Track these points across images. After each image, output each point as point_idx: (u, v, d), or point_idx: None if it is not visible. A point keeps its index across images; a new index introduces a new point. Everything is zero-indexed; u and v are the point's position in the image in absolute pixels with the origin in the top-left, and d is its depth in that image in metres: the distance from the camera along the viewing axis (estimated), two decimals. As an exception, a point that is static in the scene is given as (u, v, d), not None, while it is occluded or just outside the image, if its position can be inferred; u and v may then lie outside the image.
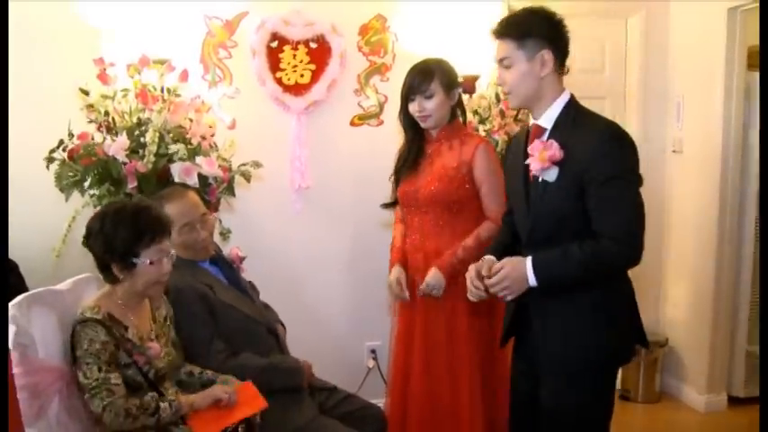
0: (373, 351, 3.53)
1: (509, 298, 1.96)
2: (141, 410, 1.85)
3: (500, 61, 1.97)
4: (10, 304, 1.86)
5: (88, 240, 1.96)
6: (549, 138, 1.91)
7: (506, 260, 1.95)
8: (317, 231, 3.43)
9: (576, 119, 1.93)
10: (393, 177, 2.75)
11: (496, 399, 2.59)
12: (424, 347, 2.63)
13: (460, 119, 2.68)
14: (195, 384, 2.12)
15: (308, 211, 3.39)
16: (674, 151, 3.76)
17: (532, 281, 1.90)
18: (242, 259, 2.60)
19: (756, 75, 3.50)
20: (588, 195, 1.85)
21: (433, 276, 2.52)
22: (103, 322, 1.88)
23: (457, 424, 2.59)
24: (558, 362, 1.99)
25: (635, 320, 2.04)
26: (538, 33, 1.91)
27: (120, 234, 1.90)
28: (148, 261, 1.92)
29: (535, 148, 1.91)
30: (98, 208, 2.55)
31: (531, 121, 2.02)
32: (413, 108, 2.57)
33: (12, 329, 1.83)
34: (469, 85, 2.67)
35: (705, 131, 3.57)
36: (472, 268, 2.01)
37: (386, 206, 2.84)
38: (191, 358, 2.20)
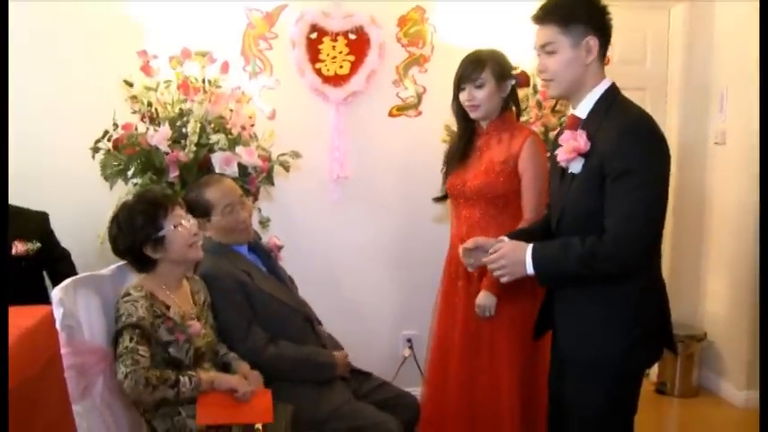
0: (409, 340, 3.57)
1: (504, 279, 1.92)
2: (161, 381, 1.89)
3: (542, 47, 1.91)
4: (58, 287, 1.94)
5: (115, 246, 2.06)
6: (582, 128, 1.87)
7: (509, 241, 1.95)
8: (355, 221, 3.47)
9: (609, 109, 1.87)
10: (443, 169, 2.74)
11: (537, 385, 2.56)
12: (463, 338, 2.64)
13: (513, 112, 2.64)
14: (218, 364, 2.18)
15: (346, 201, 3.44)
16: (716, 143, 3.71)
17: (530, 269, 1.88)
18: (280, 248, 2.64)
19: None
20: (605, 189, 1.81)
21: (484, 297, 2.52)
22: (146, 297, 1.97)
23: (496, 412, 2.59)
24: (578, 358, 1.96)
25: (662, 322, 1.96)
26: (583, 19, 1.86)
27: (137, 221, 2.00)
28: (172, 226, 2.02)
29: (565, 138, 1.88)
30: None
31: (570, 111, 1.98)
32: (463, 97, 2.54)
33: (59, 311, 1.90)
34: (524, 79, 2.62)
35: (749, 124, 3.50)
36: (471, 240, 2.02)
37: (437, 200, 2.84)
38: (229, 344, 2.26)
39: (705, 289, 3.88)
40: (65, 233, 2.89)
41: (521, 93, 3.02)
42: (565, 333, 2.02)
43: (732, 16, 3.63)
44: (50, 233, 2.87)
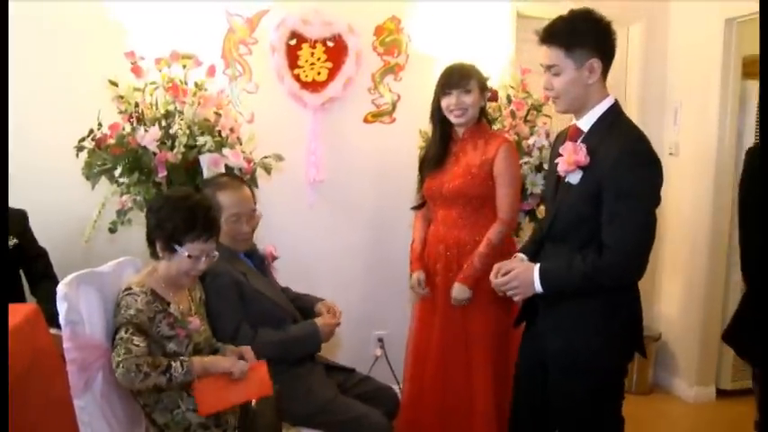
0: (380, 340, 3.66)
1: (517, 298, 2.10)
2: (152, 367, 1.89)
3: (548, 68, 2.01)
4: (61, 283, 1.96)
5: (148, 213, 2.10)
6: (583, 140, 2.00)
7: (517, 263, 2.10)
8: (330, 223, 3.55)
9: (611, 126, 1.99)
10: (418, 175, 2.88)
11: (508, 384, 2.71)
12: (441, 335, 2.77)
13: (485, 122, 2.81)
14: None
15: (322, 204, 3.52)
16: (670, 154, 3.91)
17: (538, 287, 2.03)
18: (275, 258, 2.71)
19: (751, 83, 3.67)
20: (603, 204, 1.93)
21: (458, 290, 2.68)
22: (146, 293, 2.00)
23: (470, 410, 2.72)
24: (561, 358, 2.09)
25: (634, 326, 2.12)
26: (586, 41, 1.96)
27: (173, 218, 2.02)
28: (187, 254, 2.03)
29: (566, 149, 2.00)
30: (124, 196, 2.68)
31: (573, 121, 2.09)
32: (449, 101, 2.67)
33: (64, 306, 1.93)
34: (494, 94, 2.83)
35: (701, 136, 3.72)
36: (495, 266, 2.15)
37: (416, 208, 2.97)
38: (217, 339, 2.31)
39: (660, 292, 4.09)
40: (47, 232, 2.88)
41: (494, 103, 3.18)
42: (547, 331, 2.14)
43: (684, 35, 3.85)
44: (28, 231, 2.86)
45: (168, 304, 2.06)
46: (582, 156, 1.95)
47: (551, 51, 1.99)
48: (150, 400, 2.04)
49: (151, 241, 2.08)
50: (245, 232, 2.46)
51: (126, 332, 1.93)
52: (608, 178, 1.91)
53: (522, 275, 2.04)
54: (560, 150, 2.03)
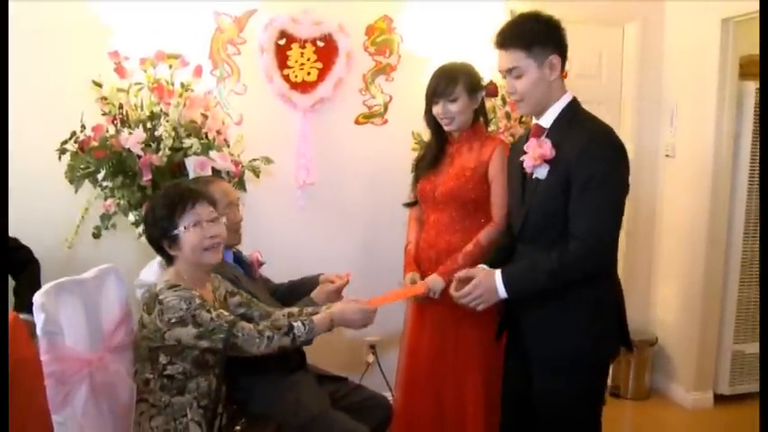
0: (372, 346, 3.59)
1: (480, 308, 2.04)
2: (274, 330, 1.97)
3: (509, 71, 2.00)
4: (38, 293, 1.88)
5: (146, 231, 2.08)
6: (546, 137, 1.99)
7: (478, 271, 2.06)
8: (320, 226, 3.48)
9: (572, 120, 1.99)
10: (413, 175, 2.81)
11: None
12: (431, 341, 2.71)
13: (482, 122, 2.73)
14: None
15: (312, 207, 3.44)
16: (667, 156, 3.86)
17: (502, 293, 1.99)
18: (261, 264, 2.64)
19: (748, 84, 3.62)
20: (570, 195, 1.93)
21: (433, 279, 2.60)
22: (189, 289, 1.96)
23: (462, 414, 2.67)
24: (546, 358, 2.06)
25: (620, 321, 2.09)
26: (543, 39, 1.97)
27: (158, 213, 2.00)
28: (183, 227, 1.99)
29: (530, 145, 1.99)
30: (108, 200, 2.60)
31: (534, 121, 2.08)
32: (436, 110, 2.61)
33: (41, 317, 1.84)
34: (493, 89, 2.74)
35: (697, 138, 3.67)
36: (455, 276, 2.12)
37: (408, 205, 2.90)
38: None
39: (657, 296, 4.03)
40: (29, 237, 2.78)
41: (489, 103, 3.11)
42: (530, 332, 2.11)
43: (680, 35, 3.80)
44: None
45: None
46: (547, 149, 1.95)
47: (511, 54, 1.99)
48: (161, 401, 1.98)
49: (160, 249, 2.05)
50: (238, 221, 2.44)
51: (210, 312, 1.92)
52: (575, 169, 1.91)
53: (484, 282, 2.01)
54: (524, 148, 2.02)
